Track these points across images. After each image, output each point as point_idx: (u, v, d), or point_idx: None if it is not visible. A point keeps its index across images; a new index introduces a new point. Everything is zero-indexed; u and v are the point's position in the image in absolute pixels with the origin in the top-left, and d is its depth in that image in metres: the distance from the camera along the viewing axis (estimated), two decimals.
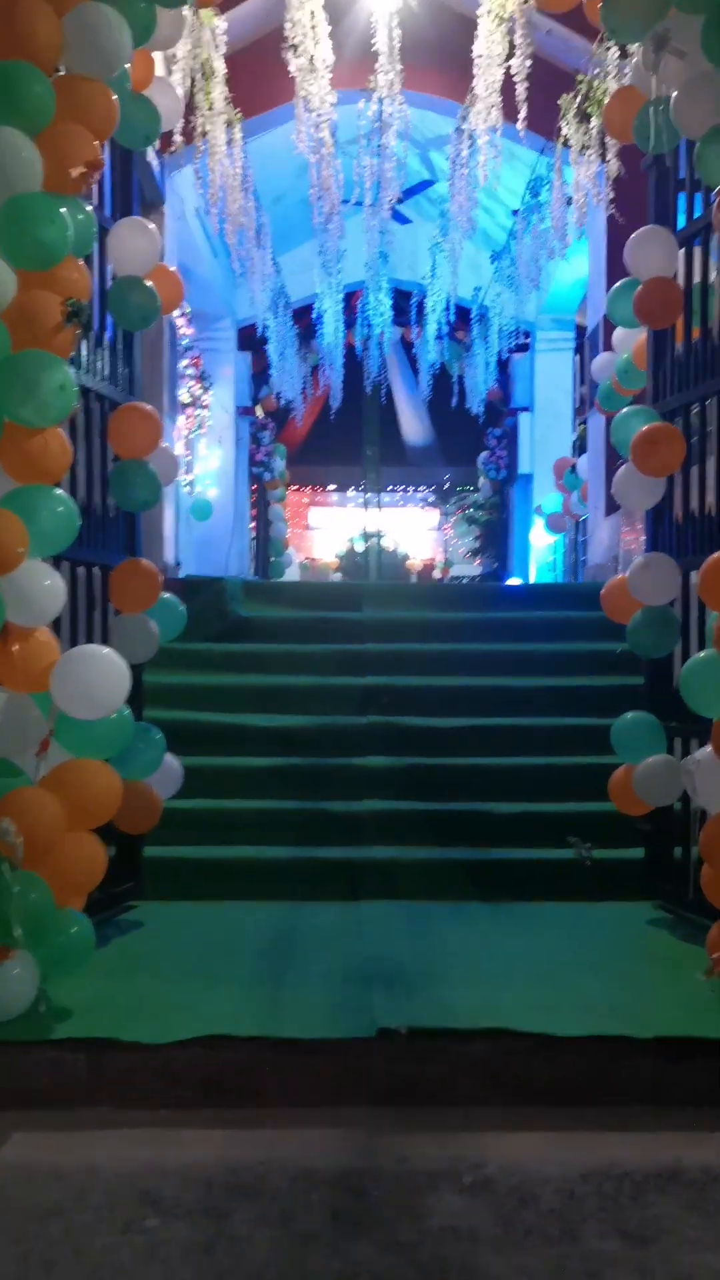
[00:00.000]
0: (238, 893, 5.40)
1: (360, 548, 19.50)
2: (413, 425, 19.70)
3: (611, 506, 8.83)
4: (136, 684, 5.19)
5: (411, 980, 4.03)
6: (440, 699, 6.81)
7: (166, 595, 5.24)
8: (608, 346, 8.60)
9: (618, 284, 5.51)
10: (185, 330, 11.38)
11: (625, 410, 5.45)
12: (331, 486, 22.99)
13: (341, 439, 18.33)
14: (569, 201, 8.61)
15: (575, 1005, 3.76)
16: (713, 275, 5.05)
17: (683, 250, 5.22)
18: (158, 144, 8.48)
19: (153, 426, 5.04)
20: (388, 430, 18.68)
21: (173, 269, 5.35)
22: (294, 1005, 3.75)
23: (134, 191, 5.29)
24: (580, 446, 12.32)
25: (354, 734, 6.50)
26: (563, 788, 6.08)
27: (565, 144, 8.07)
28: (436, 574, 23.26)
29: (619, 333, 7.40)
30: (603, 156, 7.36)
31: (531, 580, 13.82)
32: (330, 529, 22.69)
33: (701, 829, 4.16)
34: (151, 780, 5.05)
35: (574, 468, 10.35)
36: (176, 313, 11.08)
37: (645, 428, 5.09)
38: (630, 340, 7.01)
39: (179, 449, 11.96)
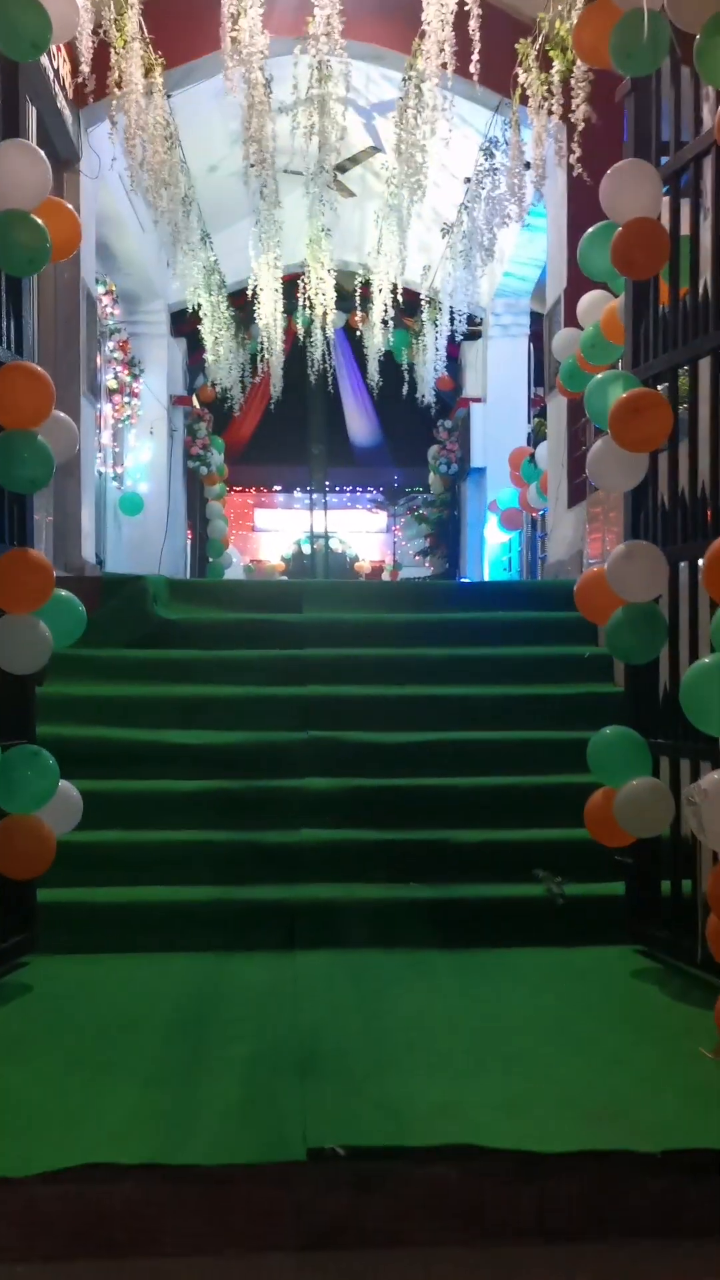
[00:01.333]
0: (152, 943, 4.60)
1: (307, 550, 18.86)
2: (360, 423, 19.04)
3: (575, 498, 8.16)
4: (25, 698, 4.38)
5: (354, 1066, 3.26)
6: (389, 711, 6.06)
7: (62, 593, 4.44)
8: (570, 322, 7.94)
9: (591, 230, 4.79)
10: (110, 309, 10.54)
11: (602, 375, 4.74)
12: (277, 487, 22.49)
13: (286, 437, 17.64)
14: (527, 166, 7.93)
15: (559, 1101, 3.02)
16: (704, 216, 4.35)
17: (667, 191, 4.53)
18: (71, 94, 7.68)
19: (42, 390, 4.24)
20: (334, 427, 17.99)
21: (69, 207, 4.54)
22: (203, 1111, 2.96)
23: (19, 112, 4.47)
24: (537, 438, 11.67)
25: (291, 752, 5.72)
26: (529, 812, 5.36)
27: (524, 97, 7.38)
28: (385, 577, 22.70)
29: (585, 302, 6.73)
30: (566, 106, 6.67)
31: (486, 580, 13.14)
32: (276, 531, 22.06)
33: (710, 872, 3.43)
34: (43, 813, 4.24)
35: (532, 457, 9.68)
36: (100, 289, 10.25)
37: (627, 394, 4.38)
38: (597, 311, 6.34)
39: (105, 438, 11.11)
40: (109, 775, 5.45)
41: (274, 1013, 3.78)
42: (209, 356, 12.01)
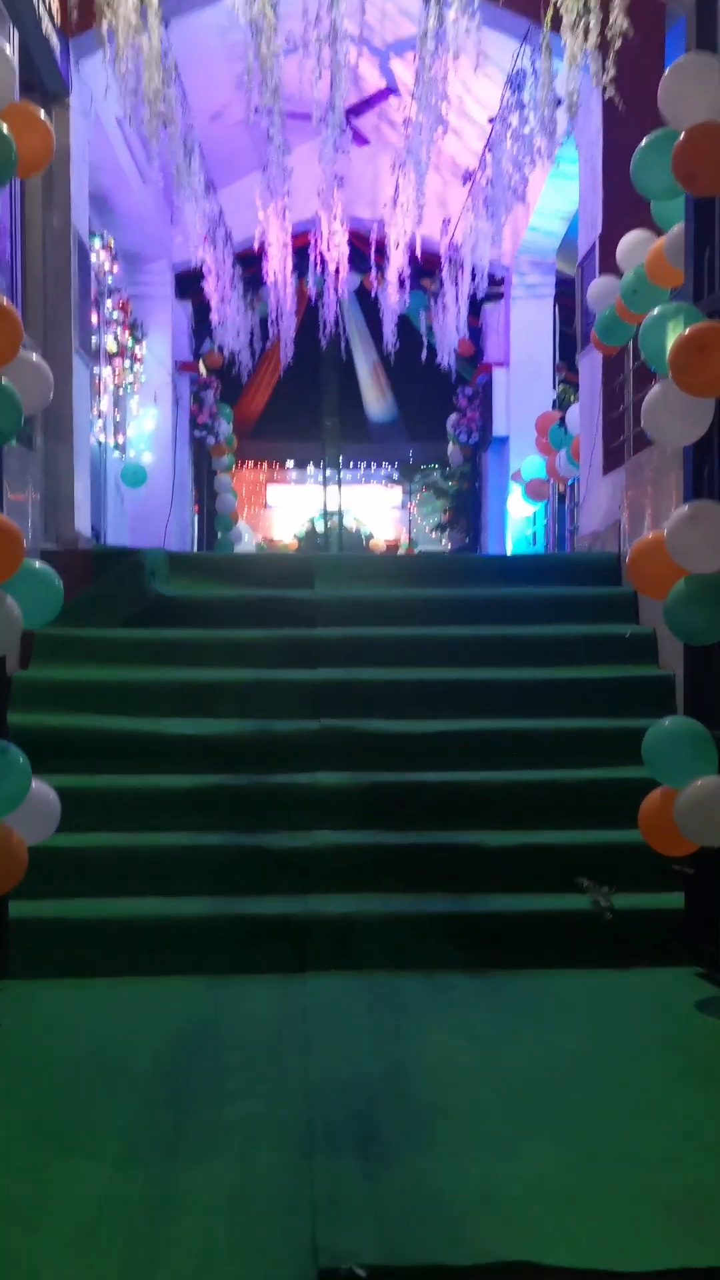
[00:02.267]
0: (140, 965, 4.05)
1: (321, 528, 18.27)
2: (375, 396, 18.41)
3: (611, 463, 7.52)
4: None
5: (374, 1136, 2.70)
6: (410, 696, 5.49)
7: (36, 565, 3.87)
8: (606, 270, 7.30)
9: (648, 139, 4.16)
10: (108, 266, 9.92)
11: (660, 310, 4.11)
12: (290, 463, 21.98)
13: (299, 410, 17.06)
14: (558, 103, 7.26)
15: (631, 1187, 2.46)
16: None
17: None
18: (58, 20, 7.05)
19: (9, 327, 3.64)
20: (348, 399, 17.35)
21: (41, 115, 3.93)
22: (186, 1207, 2.39)
23: None
24: (563, 407, 11.01)
25: (302, 743, 5.15)
26: (571, 810, 4.79)
27: (555, 19, 6.70)
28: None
29: (626, 244, 6.13)
30: (604, 22, 5.99)
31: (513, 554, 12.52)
32: (289, 508, 21.63)
33: None
34: (13, 819, 3.68)
35: (562, 421, 9.05)
36: (97, 243, 9.62)
37: (689, 330, 3.76)
38: (640, 253, 5.73)
39: (105, 404, 10.51)
40: (96, 770, 4.91)
41: (278, 1058, 3.23)
42: (212, 316, 11.34)
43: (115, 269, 10.25)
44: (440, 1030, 3.43)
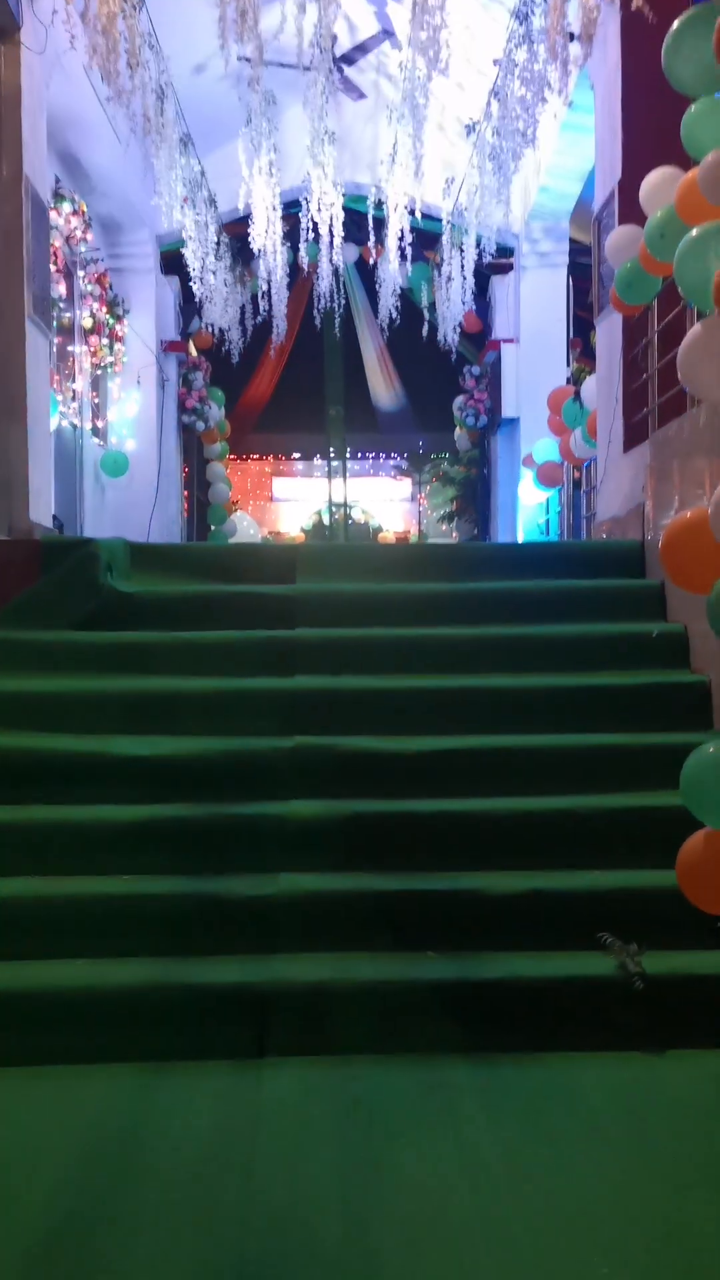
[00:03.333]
0: (62, 1051, 3.32)
1: (328, 520, 17.55)
2: (381, 381, 17.68)
3: (633, 439, 6.75)
4: None
5: None
6: (402, 709, 4.75)
7: None
8: (627, 220, 6.52)
9: (684, 17, 3.39)
10: (80, 232, 9.16)
11: (700, 231, 3.34)
12: (296, 455, 21.52)
13: (303, 398, 16.42)
14: (572, 37, 6.49)
15: None
16: None
17: None
18: None
19: None
20: (353, 386, 16.62)
21: None
22: None
23: None
24: (577, 385, 10.23)
25: (273, 765, 4.41)
26: (591, 847, 4.05)
27: None
28: None
29: (652, 182, 5.45)
30: None
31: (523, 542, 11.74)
32: (296, 501, 21.07)
33: None
34: None
35: (576, 396, 8.26)
36: (68, 207, 8.86)
37: None
38: (667, 192, 5.04)
39: (79, 385, 9.78)
40: (27, 799, 4.19)
41: (215, 1193, 2.49)
42: (194, 285, 10.54)
43: (89, 237, 9.49)
44: (428, 1156, 2.68)
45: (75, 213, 9.10)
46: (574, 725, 4.62)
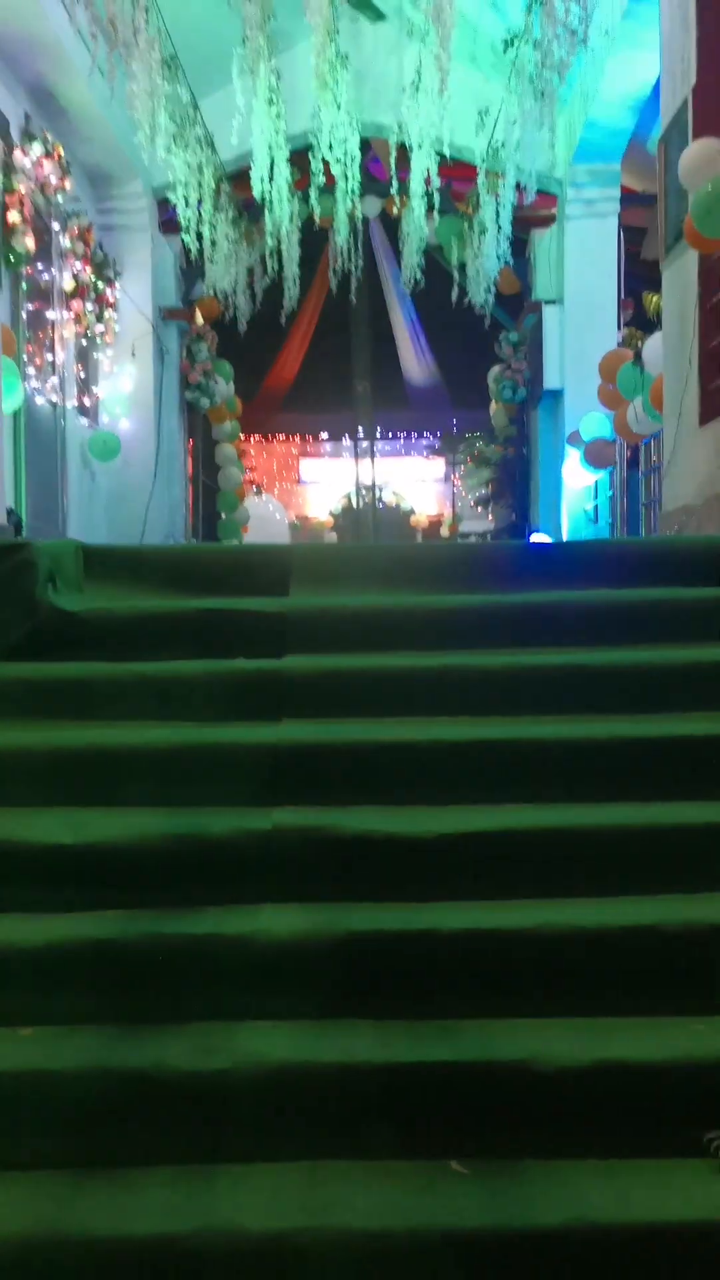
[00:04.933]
0: None
1: (357, 503, 16.98)
2: (412, 354, 16.55)
3: (711, 410, 5.54)
4: None
5: None
6: (422, 770, 3.61)
7: None
8: (705, 132, 5.31)
9: None
10: (54, 179, 8.03)
11: None
12: (324, 435, 20.78)
13: (330, 375, 15.45)
14: None
15: None
16: None
17: None
18: None
19: None
20: (382, 360, 15.51)
21: None
22: None
23: None
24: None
25: (243, 855, 3.28)
26: (684, 986, 2.88)
27: None
28: (444, 531, 20.38)
29: None
30: None
31: (565, 538, 10.51)
32: (324, 483, 20.67)
33: None
34: None
35: (636, 358, 7.04)
36: (38, 149, 7.72)
37: None
38: None
39: (59, 356, 8.68)
40: None
41: None
42: (185, 237, 9.31)
43: (67, 185, 8.36)
44: None
45: (49, 155, 7.97)
46: (656, 793, 3.46)
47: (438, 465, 21.00)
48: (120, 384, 10.15)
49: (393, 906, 3.11)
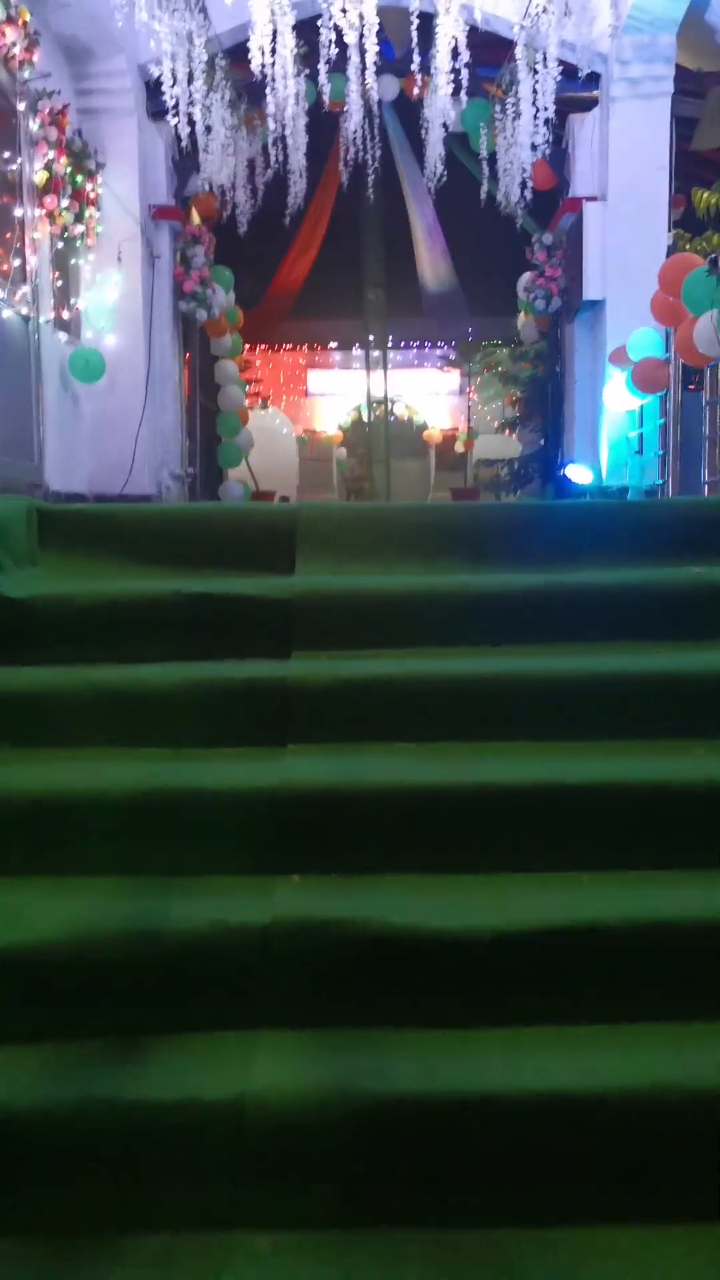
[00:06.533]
0: None
1: (368, 416, 16.00)
2: (429, 258, 15.31)
3: None
4: None
5: None
6: (468, 822, 2.75)
7: None
8: None
9: None
10: (17, 50, 6.92)
11: None
12: (332, 344, 19.84)
13: (340, 279, 14.31)
14: None
15: None
16: None
17: None
18: None
19: None
20: (396, 263, 14.30)
21: None
22: None
23: None
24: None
25: (228, 961, 2.44)
26: None
27: None
28: (459, 447, 19.50)
29: None
30: None
31: (603, 469, 9.49)
32: (334, 395, 20.15)
33: None
34: None
35: (713, 265, 5.97)
36: (2, 13, 6.62)
37: None
38: None
39: (30, 261, 7.63)
40: None
41: None
42: (171, 118, 8.15)
43: (35, 59, 7.24)
44: None
45: (11, 21, 6.85)
46: None
47: (453, 378, 20.02)
48: (105, 294, 9.08)
49: (425, 1030, 2.28)
